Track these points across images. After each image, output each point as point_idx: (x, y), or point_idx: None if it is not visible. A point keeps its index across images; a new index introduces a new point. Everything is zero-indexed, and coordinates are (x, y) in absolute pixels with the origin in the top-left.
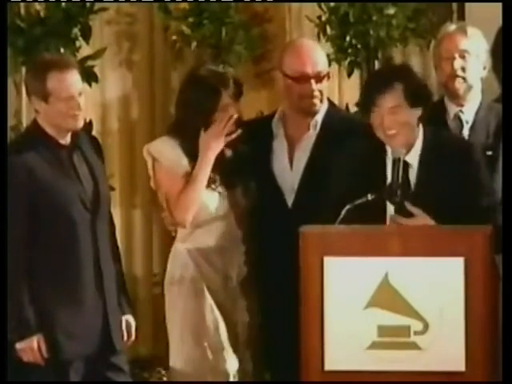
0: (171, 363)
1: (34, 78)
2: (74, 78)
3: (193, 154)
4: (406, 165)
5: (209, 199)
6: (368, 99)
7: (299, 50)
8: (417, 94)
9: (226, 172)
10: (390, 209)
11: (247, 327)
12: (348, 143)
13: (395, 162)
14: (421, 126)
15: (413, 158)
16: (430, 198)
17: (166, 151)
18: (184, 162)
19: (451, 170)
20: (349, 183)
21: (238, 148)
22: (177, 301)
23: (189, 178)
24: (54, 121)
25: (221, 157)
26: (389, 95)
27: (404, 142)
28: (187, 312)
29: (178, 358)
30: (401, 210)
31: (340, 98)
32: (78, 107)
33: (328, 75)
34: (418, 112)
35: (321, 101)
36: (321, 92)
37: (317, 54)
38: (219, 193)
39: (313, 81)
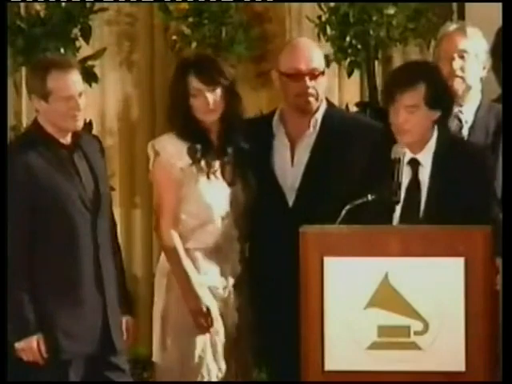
0: (154, 358)
1: (34, 77)
2: (74, 78)
3: (191, 143)
4: (417, 163)
5: (207, 195)
6: (388, 93)
7: (294, 48)
8: (437, 96)
9: (229, 171)
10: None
11: (236, 328)
12: (348, 141)
13: (395, 162)
14: (436, 126)
15: (425, 157)
16: (442, 198)
17: (169, 146)
18: (184, 158)
19: (464, 174)
20: (351, 183)
21: (240, 147)
22: (163, 292)
23: (185, 179)
24: (53, 120)
25: (224, 156)
26: (409, 93)
27: (414, 140)
28: (171, 305)
29: (159, 351)
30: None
31: (340, 97)
32: (77, 107)
33: (323, 73)
34: (436, 114)
35: (316, 98)
36: (316, 89)
37: (311, 52)
38: (222, 192)
39: (307, 78)
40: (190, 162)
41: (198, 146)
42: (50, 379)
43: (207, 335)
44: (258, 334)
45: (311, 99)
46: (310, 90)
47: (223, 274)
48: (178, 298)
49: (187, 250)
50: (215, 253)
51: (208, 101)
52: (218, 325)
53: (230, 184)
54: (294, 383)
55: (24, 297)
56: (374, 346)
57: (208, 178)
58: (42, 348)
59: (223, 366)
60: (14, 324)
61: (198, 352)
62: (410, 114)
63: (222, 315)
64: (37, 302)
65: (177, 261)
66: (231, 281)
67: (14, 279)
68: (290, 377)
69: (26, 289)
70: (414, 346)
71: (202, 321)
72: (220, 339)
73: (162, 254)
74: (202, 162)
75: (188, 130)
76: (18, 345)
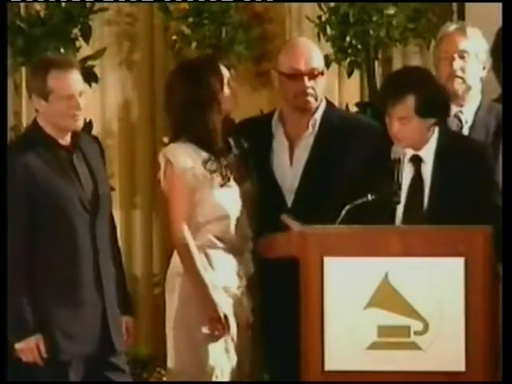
0: (168, 364)
1: (35, 76)
2: (74, 78)
3: (207, 151)
4: (419, 160)
5: (222, 197)
6: (382, 103)
7: (293, 47)
8: (430, 105)
9: (239, 171)
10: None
11: (251, 328)
12: (348, 141)
13: (395, 162)
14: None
15: (427, 154)
16: (445, 193)
17: (181, 154)
18: (197, 165)
19: (466, 169)
20: (350, 182)
21: (242, 147)
22: (176, 294)
23: (198, 185)
24: (53, 120)
25: (233, 156)
26: (399, 106)
27: (411, 145)
28: (185, 307)
29: (174, 354)
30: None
31: (340, 98)
32: (77, 107)
33: (322, 73)
34: (430, 121)
35: (315, 98)
36: (315, 89)
37: (310, 52)
38: (235, 192)
39: (306, 78)
40: (203, 168)
41: (211, 151)
42: (49, 379)
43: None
44: (259, 334)
45: (310, 99)
46: (309, 90)
47: (238, 273)
48: (191, 300)
49: (202, 251)
50: (231, 252)
51: (235, 89)
52: (232, 325)
53: (241, 184)
54: (294, 383)
55: (23, 297)
56: (374, 346)
57: (222, 179)
58: (42, 349)
59: (236, 367)
60: (14, 325)
61: (212, 355)
62: (402, 126)
63: (235, 315)
64: (36, 303)
65: (192, 266)
66: (245, 280)
67: (14, 280)
68: (290, 377)
69: (26, 290)
70: (414, 346)
71: (218, 328)
72: (234, 340)
73: (174, 256)
74: (215, 166)
75: (204, 135)
76: (18, 345)
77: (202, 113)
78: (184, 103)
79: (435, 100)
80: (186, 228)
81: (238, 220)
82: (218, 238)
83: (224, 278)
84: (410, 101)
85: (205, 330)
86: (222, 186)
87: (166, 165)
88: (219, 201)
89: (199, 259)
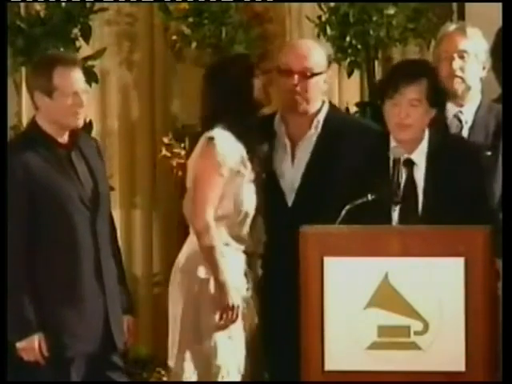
0: (171, 364)
1: (38, 73)
2: (78, 76)
3: (246, 144)
4: (411, 163)
5: (248, 198)
6: (391, 85)
7: (292, 46)
8: (437, 94)
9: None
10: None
11: (256, 329)
12: (349, 143)
13: (395, 162)
14: (427, 127)
15: (419, 157)
16: (438, 196)
17: (226, 143)
18: (236, 158)
19: (458, 170)
20: (350, 183)
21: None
22: (182, 293)
23: (230, 178)
24: (55, 117)
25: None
26: (414, 87)
27: (411, 137)
28: (191, 306)
29: (177, 354)
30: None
31: (340, 97)
32: (81, 104)
33: (318, 74)
34: (433, 112)
35: (305, 99)
36: (306, 89)
37: (308, 52)
38: (254, 191)
39: (296, 76)
40: (240, 162)
41: (249, 145)
42: (51, 379)
43: (227, 337)
44: (258, 334)
45: (297, 98)
46: (298, 89)
47: (246, 275)
48: (198, 299)
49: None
50: (242, 254)
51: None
52: (239, 326)
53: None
54: (294, 383)
55: (24, 296)
56: (374, 346)
57: (253, 175)
58: (43, 347)
59: (242, 368)
60: (15, 324)
61: (219, 355)
62: (412, 108)
63: (242, 316)
64: (37, 301)
65: (212, 248)
66: (252, 283)
67: (15, 279)
68: (290, 377)
69: (27, 288)
70: (414, 346)
71: (229, 315)
72: (240, 340)
73: (180, 255)
74: (250, 164)
75: (245, 128)
76: (20, 344)
77: (244, 106)
78: (226, 94)
79: (441, 92)
80: (211, 212)
81: (255, 221)
82: (233, 237)
83: (233, 278)
84: (424, 83)
85: (215, 319)
86: (252, 181)
87: (208, 145)
88: (242, 198)
89: (219, 242)
